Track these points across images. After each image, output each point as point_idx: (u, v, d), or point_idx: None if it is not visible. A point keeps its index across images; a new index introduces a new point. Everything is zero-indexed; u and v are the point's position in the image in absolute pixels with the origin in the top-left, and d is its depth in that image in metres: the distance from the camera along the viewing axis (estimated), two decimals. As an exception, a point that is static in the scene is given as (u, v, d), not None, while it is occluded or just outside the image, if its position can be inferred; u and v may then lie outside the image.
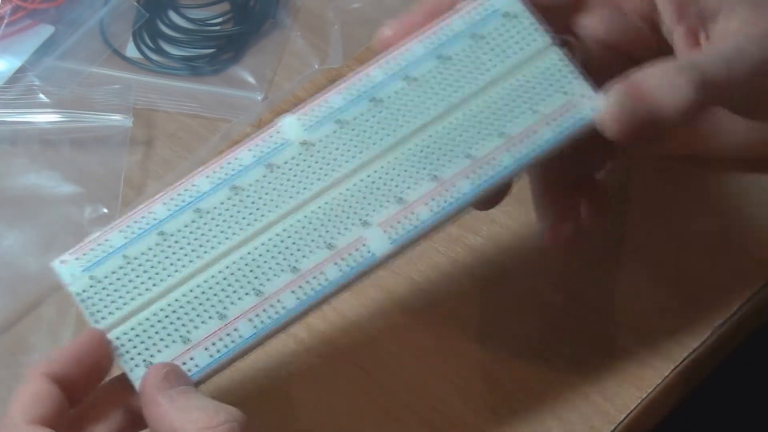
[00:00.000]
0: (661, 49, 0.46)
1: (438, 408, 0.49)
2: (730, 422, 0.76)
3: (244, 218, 0.42)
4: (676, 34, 0.45)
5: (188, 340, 0.41)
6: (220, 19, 0.63)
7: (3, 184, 0.56)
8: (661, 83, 0.42)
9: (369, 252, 0.42)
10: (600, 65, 0.47)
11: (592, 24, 0.47)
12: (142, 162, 0.58)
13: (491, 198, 0.47)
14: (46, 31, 0.62)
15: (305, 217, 0.42)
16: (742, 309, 0.51)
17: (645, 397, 0.49)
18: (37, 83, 0.59)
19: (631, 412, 0.48)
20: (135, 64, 0.62)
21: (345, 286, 0.42)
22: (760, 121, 0.46)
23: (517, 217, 0.54)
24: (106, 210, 0.55)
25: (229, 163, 0.43)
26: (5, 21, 0.61)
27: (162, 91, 0.60)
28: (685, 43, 0.45)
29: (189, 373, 0.41)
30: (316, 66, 0.60)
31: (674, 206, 0.54)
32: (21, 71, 0.60)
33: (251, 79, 0.61)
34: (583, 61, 0.47)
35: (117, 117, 0.58)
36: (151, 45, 0.62)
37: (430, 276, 0.52)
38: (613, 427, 0.48)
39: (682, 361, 0.50)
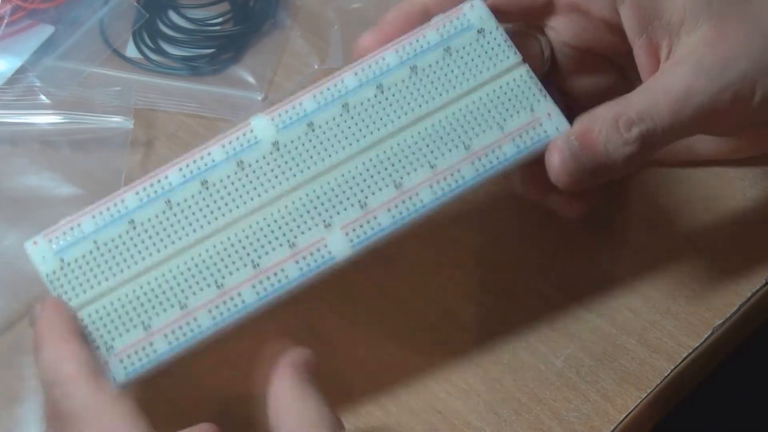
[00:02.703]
0: (629, 52, 0.47)
1: (438, 408, 0.49)
2: (730, 422, 0.76)
3: (212, 212, 0.44)
4: (636, 47, 0.46)
5: (149, 326, 0.43)
6: (220, 19, 0.63)
7: (3, 184, 0.56)
8: (608, 137, 0.44)
9: (329, 253, 0.44)
10: (568, 63, 0.48)
11: (560, 27, 0.48)
12: (143, 162, 0.58)
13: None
14: (46, 31, 0.62)
15: (271, 215, 0.44)
16: (742, 309, 0.51)
17: (645, 397, 0.49)
18: (37, 84, 0.59)
19: (631, 412, 0.48)
20: (135, 64, 0.62)
21: (304, 284, 0.44)
22: (725, 136, 0.47)
23: (518, 217, 0.54)
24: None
25: (202, 158, 0.44)
26: (5, 21, 0.61)
27: (162, 91, 0.60)
28: (645, 58, 0.46)
29: (147, 359, 0.42)
30: (316, 66, 0.60)
31: (674, 206, 0.54)
32: (21, 71, 0.60)
33: (251, 79, 0.61)
34: (547, 58, 0.48)
35: (117, 118, 0.57)
36: (151, 45, 0.62)
37: (429, 276, 0.52)
38: (613, 427, 0.48)
39: (682, 361, 0.50)
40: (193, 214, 0.44)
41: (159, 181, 0.44)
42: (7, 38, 0.61)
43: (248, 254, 0.43)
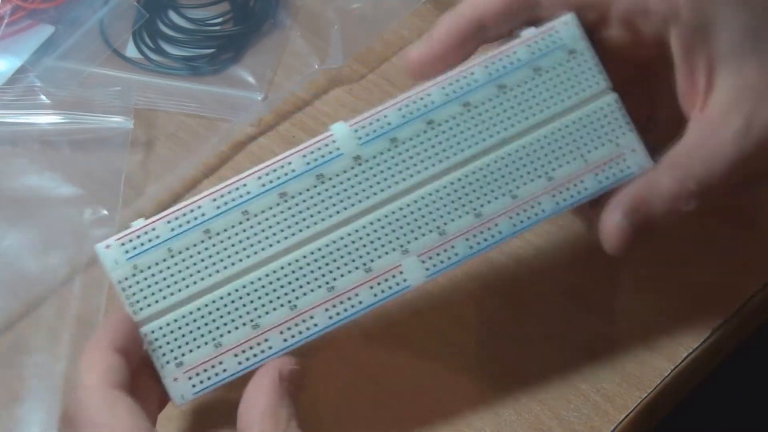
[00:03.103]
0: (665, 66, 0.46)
1: (438, 408, 0.49)
2: (730, 422, 0.76)
3: (288, 227, 0.42)
4: (678, 73, 0.46)
5: (220, 344, 0.42)
6: (220, 19, 0.63)
7: (3, 184, 0.56)
8: (669, 211, 0.44)
9: (405, 280, 0.43)
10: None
11: (611, 38, 0.46)
12: (143, 162, 0.58)
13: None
14: (46, 31, 0.62)
15: (348, 235, 0.43)
16: (742, 309, 0.51)
17: (645, 397, 0.49)
18: (37, 84, 0.59)
19: (631, 412, 0.48)
20: (135, 64, 0.61)
21: (374, 308, 0.43)
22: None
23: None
24: (106, 211, 0.55)
25: (282, 167, 0.43)
26: (5, 21, 0.61)
27: (162, 91, 0.60)
28: (685, 85, 0.46)
29: (216, 378, 0.41)
30: (316, 66, 0.60)
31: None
32: (21, 71, 0.60)
33: (251, 79, 0.61)
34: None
35: (118, 119, 0.57)
36: (151, 45, 0.62)
37: (433, 279, 0.52)
38: (613, 427, 0.48)
39: (682, 361, 0.50)
40: (270, 227, 0.42)
41: (237, 188, 0.43)
42: (7, 38, 0.61)
43: (323, 275, 0.42)
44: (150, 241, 0.42)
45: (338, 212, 0.43)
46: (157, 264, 0.42)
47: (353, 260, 0.42)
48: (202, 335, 0.42)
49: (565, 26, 0.44)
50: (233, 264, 0.42)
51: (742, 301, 0.51)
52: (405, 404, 0.49)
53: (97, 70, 0.61)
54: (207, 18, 0.63)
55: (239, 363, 0.42)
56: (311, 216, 0.43)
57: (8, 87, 0.59)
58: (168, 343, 0.42)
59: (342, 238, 0.43)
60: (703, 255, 0.52)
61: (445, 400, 0.49)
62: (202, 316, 0.42)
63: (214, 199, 0.42)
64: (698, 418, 0.68)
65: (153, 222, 0.42)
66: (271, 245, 0.42)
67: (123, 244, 0.42)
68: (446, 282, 0.52)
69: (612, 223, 0.44)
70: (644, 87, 0.48)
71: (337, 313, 0.42)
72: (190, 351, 0.42)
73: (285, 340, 0.42)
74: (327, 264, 0.42)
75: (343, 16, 0.62)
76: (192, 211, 0.42)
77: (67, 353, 0.51)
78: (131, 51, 0.62)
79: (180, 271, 0.42)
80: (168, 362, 0.42)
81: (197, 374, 0.42)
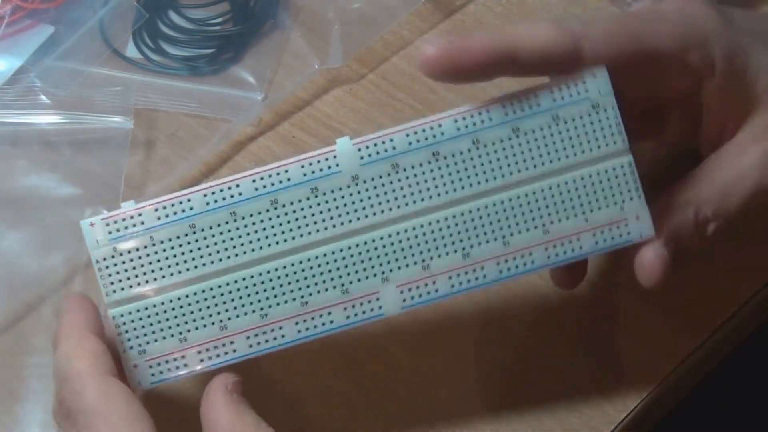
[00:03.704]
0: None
1: (438, 408, 0.49)
2: (730, 422, 0.76)
3: (274, 235, 0.42)
4: (706, 121, 0.46)
5: (185, 339, 0.42)
6: (220, 19, 0.63)
7: (3, 185, 0.56)
8: (692, 241, 0.44)
9: (380, 308, 0.43)
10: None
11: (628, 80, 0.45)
12: (143, 162, 0.58)
13: (570, 278, 0.48)
14: (46, 31, 0.62)
15: (332, 252, 0.42)
16: (743, 309, 0.51)
17: (645, 397, 0.49)
18: (37, 84, 0.59)
19: (631, 412, 0.49)
20: (135, 64, 0.61)
21: (342, 330, 0.43)
22: None
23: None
24: (106, 212, 0.54)
25: (278, 174, 0.43)
26: (5, 21, 0.61)
27: (162, 91, 0.60)
28: (712, 131, 0.46)
29: (176, 372, 0.42)
30: (316, 66, 0.60)
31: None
32: (21, 71, 0.60)
33: (251, 79, 0.61)
34: None
35: (118, 119, 0.57)
36: (151, 45, 0.62)
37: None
38: (613, 427, 0.48)
39: (682, 361, 0.50)
40: (256, 232, 0.42)
41: (230, 188, 0.42)
42: (7, 38, 0.61)
43: (300, 288, 0.42)
44: (135, 226, 0.42)
45: (326, 228, 0.42)
46: (137, 250, 0.42)
47: (332, 279, 0.42)
48: (170, 327, 0.42)
49: (593, 79, 0.43)
50: (212, 262, 0.42)
51: (741, 301, 0.51)
52: (405, 404, 0.49)
53: (97, 70, 0.61)
54: (207, 18, 0.63)
55: (201, 360, 0.42)
56: (299, 228, 0.42)
57: (8, 87, 0.59)
58: (135, 329, 0.42)
59: (325, 255, 0.42)
60: (703, 255, 0.52)
61: (445, 400, 0.49)
62: (173, 309, 0.42)
63: (205, 195, 0.42)
64: (698, 418, 0.68)
65: (141, 207, 0.42)
66: (253, 250, 0.42)
67: (107, 225, 0.42)
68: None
69: (653, 254, 0.44)
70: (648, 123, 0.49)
71: (306, 329, 0.42)
72: (155, 341, 0.42)
73: (250, 346, 0.42)
74: (305, 278, 0.42)
75: (343, 16, 0.62)
76: (181, 203, 0.42)
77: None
78: (131, 51, 0.62)
79: (159, 261, 0.42)
80: (131, 348, 0.42)
81: (158, 364, 0.42)
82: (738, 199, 0.44)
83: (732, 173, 0.45)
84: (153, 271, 0.42)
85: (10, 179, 0.56)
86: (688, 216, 0.44)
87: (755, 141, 0.45)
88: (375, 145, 0.43)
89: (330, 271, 0.42)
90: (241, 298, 0.42)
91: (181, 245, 0.42)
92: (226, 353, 0.42)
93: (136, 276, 0.42)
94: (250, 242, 0.42)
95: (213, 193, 0.42)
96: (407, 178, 0.43)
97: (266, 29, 0.63)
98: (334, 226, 0.43)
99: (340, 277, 0.42)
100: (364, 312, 0.42)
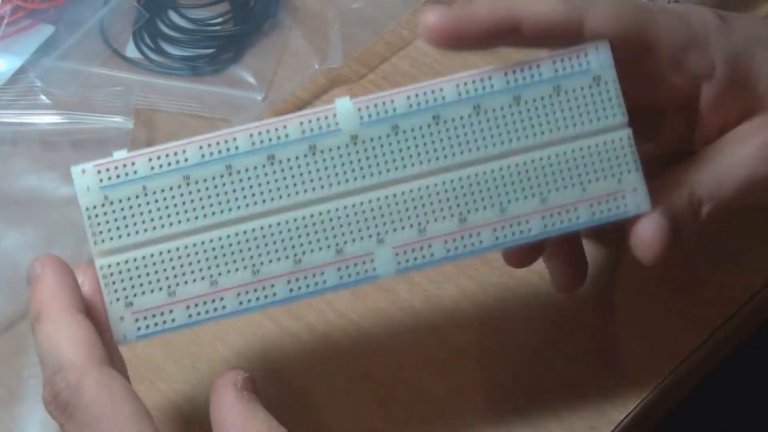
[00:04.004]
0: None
1: (437, 408, 0.49)
2: (730, 422, 0.76)
3: (269, 191, 0.42)
4: (702, 123, 0.46)
5: (174, 293, 0.41)
6: (220, 19, 0.63)
7: (4, 185, 0.56)
8: (686, 220, 0.43)
9: (374, 269, 0.42)
10: None
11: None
12: (143, 162, 0.58)
13: (524, 256, 0.47)
14: (46, 31, 0.62)
15: (327, 212, 0.42)
16: (743, 309, 0.51)
17: (645, 397, 0.49)
18: (37, 84, 0.59)
19: (631, 412, 0.48)
20: (135, 64, 0.62)
21: (335, 290, 0.42)
22: None
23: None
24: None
25: (276, 130, 0.42)
26: (5, 21, 0.61)
27: (162, 91, 0.60)
28: (707, 132, 0.46)
29: (162, 326, 0.41)
30: (316, 66, 0.60)
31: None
32: (21, 71, 0.60)
33: (251, 79, 0.61)
34: None
35: (118, 119, 0.57)
36: (151, 45, 0.62)
37: (429, 275, 0.52)
38: (613, 427, 0.48)
39: (682, 361, 0.50)
40: (251, 187, 0.41)
41: (226, 141, 0.41)
42: (7, 38, 0.61)
43: (293, 246, 0.41)
44: (127, 174, 0.41)
45: (322, 187, 0.42)
46: (128, 199, 0.41)
47: (326, 238, 0.42)
48: (158, 281, 0.41)
49: (596, 52, 0.43)
50: (205, 216, 0.41)
51: (742, 301, 0.51)
52: (404, 404, 0.49)
53: (97, 70, 0.61)
54: (207, 18, 0.63)
55: (189, 316, 0.41)
56: (295, 185, 0.42)
57: (8, 87, 0.59)
58: (122, 281, 0.41)
59: (320, 214, 0.42)
60: (703, 255, 0.52)
61: (445, 400, 0.49)
62: (163, 262, 0.41)
63: (201, 147, 0.41)
64: (698, 418, 0.68)
65: (134, 156, 0.41)
66: (247, 205, 0.41)
67: (99, 172, 0.41)
68: (444, 281, 0.52)
69: (652, 224, 0.43)
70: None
71: (299, 288, 0.42)
72: (143, 293, 0.41)
73: (240, 303, 0.41)
74: (299, 237, 0.42)
75: (343, 16, 0.62)
76: (176, 154, 0.41)
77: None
78: (131, 51, 0.62)
79: (150, 212, 0.41)
80: (118, 299, 0.41)
81: (144, 318, 0.41)
82: (732, 185, 0.44)
83: (728, 159, 0.44)
84: (144, 222, 0.41)
85: (10, 179, 0.56)
86: (683, 194, 0.44)
87: (755, 132, 0.45)
88: (375, 105, 0.42)
89: (325, 230, 0.42)
90: (233, 254, 0.41)
91: (174, 197, 0.41)
92: (215, 309, 0.41)
93: (126, 226, 0.41)
94: (245, 197, 0.41)
95: (209, 145, 0.42)
96: (407, 140, 0.42)
97: (266, 29, 0.63)
98: (330, 185, 0.42)
99: (335, 237, 0.42)
100: (358, 273, 0.42)
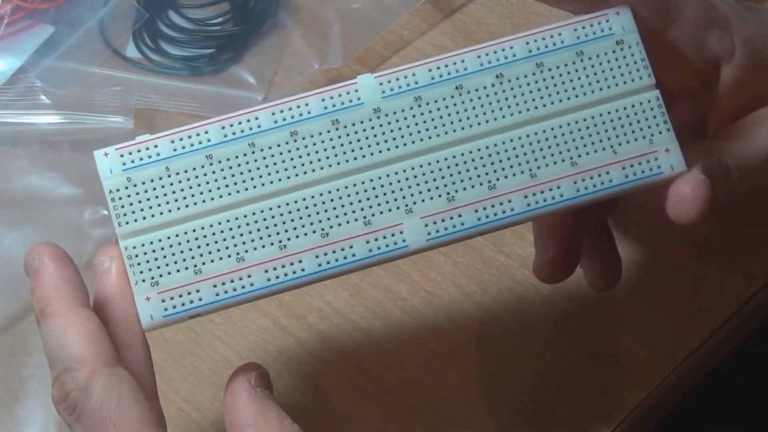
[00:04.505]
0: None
1: (438, 408, 0.49)
2: (730, 422, 0.76)
3: (294, 167, 0.41)
4: (720, 104, 0.46)
5: (200, 271, 0.40)
6: (220, 19, 0.63)
7: (3, 185, 0.56)
8: (723, 187, 0.43)
9: (404, 241, 0.41)
10: None
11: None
12: (143, 162, 0.58)
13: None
14: (46, 31, 0.62)
15: (353, 184, 0.41)
16: (743, 309, 0.51)
17: (645, 397, 0.49)
18: (37, 84, 0.59)
19: (631, 412, 0.48)
20: (135, 64, 0.62)
21: (366, 265, 0.41)
22: None
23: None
24: (106, 212, 0.55)
25: (298, 107, 0.42)
26: (5, 21, 0.61)
27: (162, 91, 0.60)
28: (725, 115, 0.46)
29: (190, 305, 0.40)
30: (316, 66, 0.60)
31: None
32: (21, 71, 0.60)
33: (251, 79, 0.61)
34: None
35: (118, 119, 0.58)
36: (151, 45, 0.62)
37: (430, 276, 0.52)
38: (613, 427, 0.48)
39: (682, 361, 0.50)
40: (275, 164, 0.41)
41: (248, 120, 0.41)
42: (7, 38, 0.61)
43: (320, 221, 0.41)
44: (150, 156, 0.41)
45: (347, 161, 0.41)
46: (152, 181, 0.41)
47: (353, 211, 0.41)
48: (184, 260, 0.41)
49: (617, 16, 0.43)
50: (229, 194, 0.41)
51: (742, 301, 0.51)
52: (405, 404, 0.49)
53: (97, 70, 0.61)
54: (207, 18, 0.63)
55: (216, 294, 0.40)
56: (319, 160, 0.41)
57: (8, 87, 0.59)
58: (147, 261, 0.40)
59: (346, 187, 0.41)
60: (704, 254, 0.52)
61: (445, 400, 0.49)
62: (188, 241, 0.41)
63: (223, 127, 0.41)
64: (698, 418, 0.68)
65: (156, 138, 0.41)
66: (272, 182, 0.41)
67: (122, 156, 0.41)
68: (444, 281, 0.52)
69: (694, 180, 0.42)
70: None
71: (327, 262, 0.41)
72: (168, 273, 0.40)
73: (269, 279, 0.41)
74: (326, 210, 0.41)
75: (343, 16, 0.62)
76: (198, 134, 0.41)
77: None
78: (131, 51, 0.62)
79: (174, 192, 0.41)
80: (144, 280, 0.40)
81: (171, 298, 0.40)
82: (754, 160, 0.44)
83: (751, 137, 0.44)
84: (168, 203, 0.41)
85: (10, 179, 0.56)
86: (713, 160, 0.43)
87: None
88: (397, 79, 0.42)
89: (351, 203, 0.41)
90: (259, 230, 0.41)
91: (197, 176, 0.41)
92: (243, 287, 0.41)
93: (150, 207, 0.41)
94: (269, 174, 0.41)
95: (231, 125, 0.41)
96: (430, 111, 0.42)
97: (266, 29, 0.63)
98: (355, 158, 0.41)
99: (362, 209, 0.41)
100: (387, 245, 0.41)
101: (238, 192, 0.41)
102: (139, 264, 0.41)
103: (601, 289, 0.48)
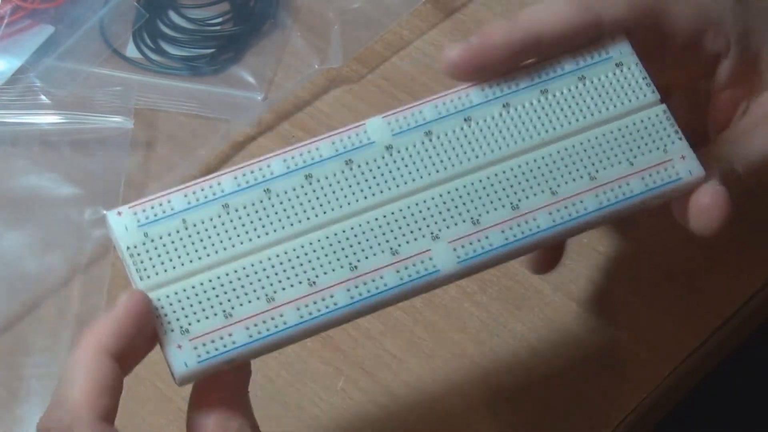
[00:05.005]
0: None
1: (438, 408, 0.49)
2: (730, 422, 0.76)
3: (312, 208, 0.41)
4: (717, 98, 0.46)
5: (230, 315, 0.40)
6: (220, 19, 0.63)
7: (3, 185, 0.56)
8: (736, 192, 0.43)
9: (434, 266, 0.41)
10: None
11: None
12: (143, 162, 0.58)
13: (547, 260, 0.48)
14: (46, 31, 0.62)
15: (375, 219, 0.41)
16: (743, 309, 0.51)
17: (645, 397, 0.49)
18: (37, 84, 0.59)
19: (631, 412, 0.48)
20: (135, 64, 0.62)
21: (402, 295, 0.41)
22: None
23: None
24: (106, 212, 0.55)
25: (309, 152, 0.42)
26: (5, 21, 0.61)
27: (162, 91, 0.60)
28: (722, 109, 0.46)
29: (223, 349, 0.40)
30: (316, 66, 0.60)
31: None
32: (21, 71, 0.60)
33: (251, 79, 0.61)
34: None
35: (118, 118, 0.58)
36: (151, 45, 0.62)
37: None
38: (613, 427, 0.48)
39: (682, 361, 0.50)
40: (293, 207, 0.41)
41: (260, 168, 0.41)
42: (7, 38, 0.61)
43: (346, 255, 0.41)
44: (164, 211, 0.41)
45: (365, 197, 0.42)
46: (169, 234, 0.41)
47: (379, 243, 0.41)
48: (212, 306, 0.40)
49: (612, 41, 0.44)
50: (251, 240, 0.41)
51: (742, 301, 0.51)
52: (405, 404, 0.49)
53: (97, 70, 0.61)
54: (207, 18, 0.63)
55: (250, 336, 0.40)
56: (337, 199, 0.41)
57: (8, 87, 0.59)
58: (174, 311, 0.40)
59: (368, 222, 0.41)
60: (704, 255, 0.52)
61: (445, 400, 0.49)
62: (214, 288, 0.40)
63: (236, 177, 0.41)
64: (698, 418, 0.68)
65: (169, 193, 0.41)
66: (291, 224, 0.41)
67: (135, 213, 0.41)
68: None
69: (713, 191, 0.42)
70: None
71: (360, 294, 0.41)
72: (198, 321, 0.40)
73: (301, 316, 0.40)
74: (351, 246, 0.41)
75: (343, 16, 0.62)
76: (211, 186, 0.41)
77: (67, 353, 0.51)
78: (131, 51, 0.62)
79: (193, 243, 0.41)
80: (173, 330, 0.40)
81: (203, 344, 0.40)
82: (756, 162, 0.44)
83: (754, 138, 0.45)
84: (188, 253, 0.41)
85: (10, 179, 0.56)
86: (728, 167, 0.44)
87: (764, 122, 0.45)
88: (404, 117, 0.43)
89: (376, 236, 0.41)
90: (285, 271, 0.41)
91: (215, 226, 0.41)
92: (276, 326, 0.40)
93: (171, 259, 0.40)
94: (288, 217, 0.41)
95: (243, 174, 0.41)
96: (442, 144, 0.42)
97: (266, 29, 0.63)
98: (374, 194, 0.42)
99: (387, 241, 0.41)
100: (418, 272, 0.41)
101: (259, 237, 0.41)
102: (165, 315, 0.40)
103: (536, 272, 0.49)
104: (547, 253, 0.48)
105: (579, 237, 0.53)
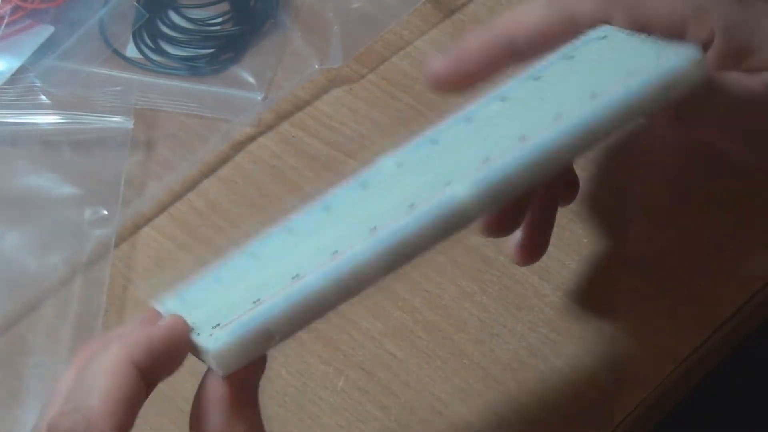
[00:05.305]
0: None
1: (438, 408, 0.49)
2: (730, 422, 0.76)
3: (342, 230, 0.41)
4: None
5: (257, 299, 0.39)
6: (220, 19, 0.63)
7: (3, 185, 0.56)
8: None
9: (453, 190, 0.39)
10: None
11: None
12: (143, 162, 0.58)
13: (530, 248, 0.47)
14: (46, 31, 0.62)
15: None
16: (743, 309, 0.51)
17: (645, 397, 0.49)
18: (37, 84, 0.59)
19: (631, 412, 0.48)
20: (135, 64, 0.62)
21: (421, 230, 0.39)
22: None
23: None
24: (106, 212, 0.55)
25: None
26: (5, 21, 0.61)
27: (162, 92, 0.60)
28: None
29: (254, 315, 0.38)
30: (316, 66, 0.60)
31: (674, 206, 0.54)
32: (21, 71, 0.60)
33: (251, 79, 0.61)
34: None
35: (118, 118, 0.58)
36: (151, 45, 0.62)
37: (429, 275, 0.52)
38: (613, 427, 0.48)
39: (682, 361, 0.50)
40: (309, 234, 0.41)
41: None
42: (7, 38, 0.61)
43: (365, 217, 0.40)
44: (198, 284, 0.41)
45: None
46: (204, 290, 0.41)
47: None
48: (244, 301, 0.39)
49: (594, 30, 0.43)
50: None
51: (741, 301, 0.51)
52: (405, 404, 0.49)
53: (97, 70, 0.61)
54: (207, 18, 0.63)
55: (277, 302, 0.38)
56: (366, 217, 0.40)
57: (8, 87, 0.59)
58: (207, 320, 0.39)
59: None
60: (704, 254, 0.52)
61: (444, 400, 0.49)
62: (240, 295, 0.39)
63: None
64: (698, 418, 0.68)
65: (196, 279, 0.41)
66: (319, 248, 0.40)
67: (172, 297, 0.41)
68: (444, 281, 0.52)
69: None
70: None
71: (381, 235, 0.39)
72: (228, 314, 0.39)
73: (324, 272, 0.39)
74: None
75: (343, 16, 0.62)
76: (240, 252, 0.41)
77: (67, 353, 0.51)
78: (131, 51, 0.62)
79: (227, 289, 0.40)
80: (201, 333, 0.39)
81: (232, 323, 0.38)
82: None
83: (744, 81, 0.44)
84: (220, 292, 0.40)
85: (10, 179, 0.56)
86: None
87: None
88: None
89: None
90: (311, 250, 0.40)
91: (247, 270, 0.41)
92: (304, 286, 0.39)
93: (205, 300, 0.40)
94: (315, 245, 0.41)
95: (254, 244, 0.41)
96: (447, 145, 0.42)
97: (266, 29, 0.63)
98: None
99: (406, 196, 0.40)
100: (431, 201, 0.39)
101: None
102: (198, 327, 0.39)
103: (519, 263, 0.48)
104: (508, 215, 0.47)
105: (579, 237, 0.53)
